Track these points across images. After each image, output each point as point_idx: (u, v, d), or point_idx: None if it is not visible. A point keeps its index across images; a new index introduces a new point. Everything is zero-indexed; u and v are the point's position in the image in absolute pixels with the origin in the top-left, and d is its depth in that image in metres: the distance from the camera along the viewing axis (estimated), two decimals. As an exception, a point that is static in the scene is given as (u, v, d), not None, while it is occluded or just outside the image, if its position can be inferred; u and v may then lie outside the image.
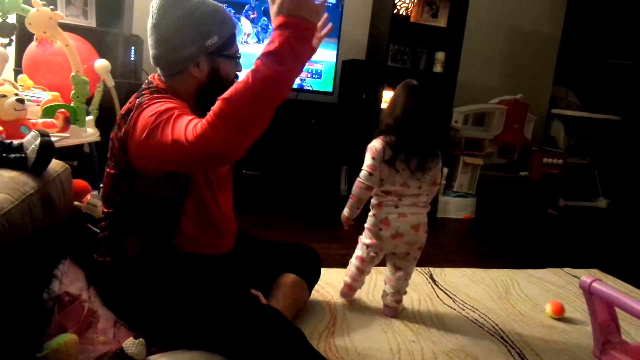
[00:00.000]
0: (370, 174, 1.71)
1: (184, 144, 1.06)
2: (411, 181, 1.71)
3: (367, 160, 1.72)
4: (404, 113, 1.68)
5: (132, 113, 1.20)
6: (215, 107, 1.04)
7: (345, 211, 1.80)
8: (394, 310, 1.82)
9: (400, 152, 1.68)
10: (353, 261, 1.86)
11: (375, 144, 1.72)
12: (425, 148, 1.71)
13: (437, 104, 1.79)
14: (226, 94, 1.04)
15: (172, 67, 1.29)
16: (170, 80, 1.31)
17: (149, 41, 1.30)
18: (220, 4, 1.32)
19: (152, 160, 1.20)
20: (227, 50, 1.32)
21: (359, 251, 1.84)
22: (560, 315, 1.94)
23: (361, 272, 1.84)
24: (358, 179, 1.74)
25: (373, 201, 1.79)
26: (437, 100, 1.73)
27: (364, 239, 1.82)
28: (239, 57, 1.36)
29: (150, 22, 1.28)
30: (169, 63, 1.29)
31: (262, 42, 3.16)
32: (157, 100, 1.20)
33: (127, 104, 1.27)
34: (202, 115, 1.19)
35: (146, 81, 1.35)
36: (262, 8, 3.11)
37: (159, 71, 1.34)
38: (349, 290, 1.88)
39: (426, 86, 1.73)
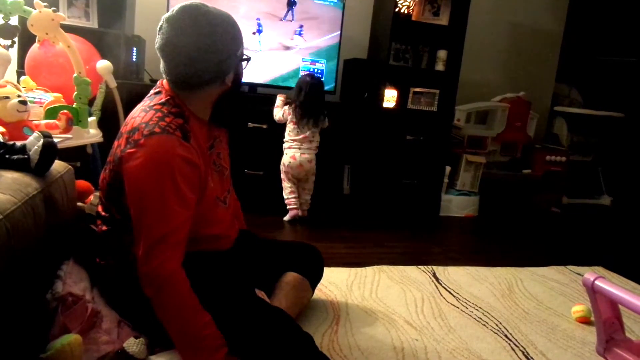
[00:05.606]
0: None
1: (139, 249, 1.15)
2: None
3: None
4: None
5: (139, 140, 1.15)
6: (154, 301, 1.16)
7: None
8: None
9: None
10: None
11: None
12: None
13: None
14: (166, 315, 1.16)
15: (210, 80, 1.27)
16: (191, 93, 1.28)
17: (174, 61, 1.23)
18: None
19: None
20: (243, 53, 1.35)
21: None
22: (582, 322, 1.91)
23: None
24: None
25: None
26: None
27: None
28: (249, 58, 1.38)
29: (176, 43, 1.21)
30: (209, 77, 1.26)
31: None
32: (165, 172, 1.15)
33: (139, 117, 1.21)
34: (213, 118, 1.35)
35: (158, 92, 1.29)
36: None
37: (172, 85, 1.28)
38: None
39: None
